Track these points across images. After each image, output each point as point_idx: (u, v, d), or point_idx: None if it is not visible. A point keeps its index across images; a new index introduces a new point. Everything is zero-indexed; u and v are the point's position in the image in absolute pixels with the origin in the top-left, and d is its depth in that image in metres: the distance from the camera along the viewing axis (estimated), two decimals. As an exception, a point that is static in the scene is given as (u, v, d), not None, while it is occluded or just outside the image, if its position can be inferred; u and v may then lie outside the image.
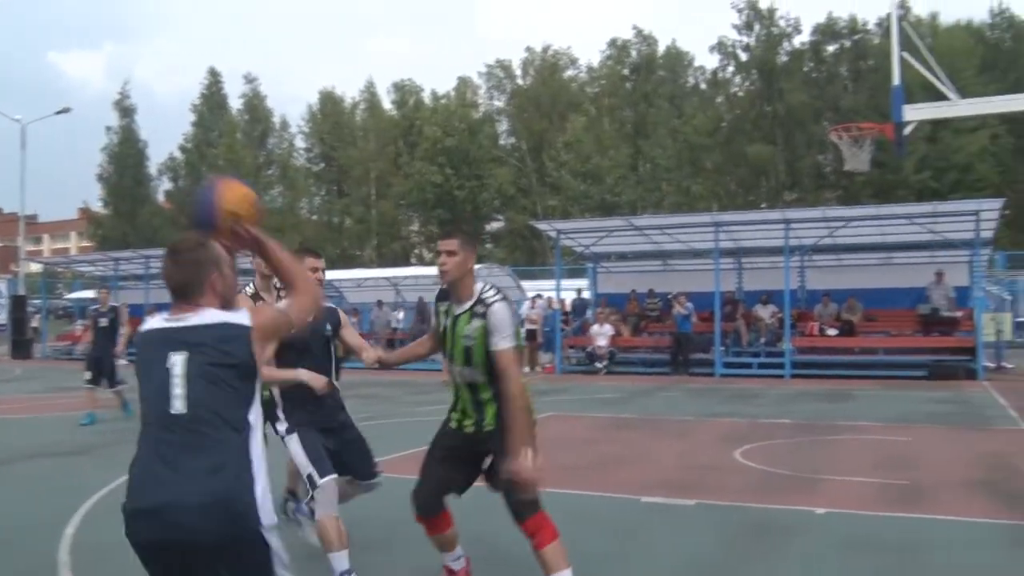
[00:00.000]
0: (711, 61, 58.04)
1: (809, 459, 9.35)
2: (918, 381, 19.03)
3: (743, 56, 53.91)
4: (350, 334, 5.50)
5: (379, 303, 27.96)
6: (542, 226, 26.44)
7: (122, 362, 13.28)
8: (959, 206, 21.25)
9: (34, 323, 35.96)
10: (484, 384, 4.42)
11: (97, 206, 61.27)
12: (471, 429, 4.56)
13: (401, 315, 28.30)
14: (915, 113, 17.77)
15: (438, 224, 58.98)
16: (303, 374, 4.95)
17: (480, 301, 4.26)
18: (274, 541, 2.74)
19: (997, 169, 50.04)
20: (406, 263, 57.77)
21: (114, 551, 4.14)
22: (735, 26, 53.53)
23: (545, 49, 61.63)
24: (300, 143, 66.34)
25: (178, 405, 2.71)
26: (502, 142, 63.16)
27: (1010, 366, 22.02)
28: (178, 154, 61.30)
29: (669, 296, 22.78)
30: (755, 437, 10.85)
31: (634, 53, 58.89)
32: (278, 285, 5.49)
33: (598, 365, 22.48)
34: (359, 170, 60.58)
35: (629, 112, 57.12)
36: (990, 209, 19.93)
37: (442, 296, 4.45)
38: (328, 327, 5.29)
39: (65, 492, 7.66)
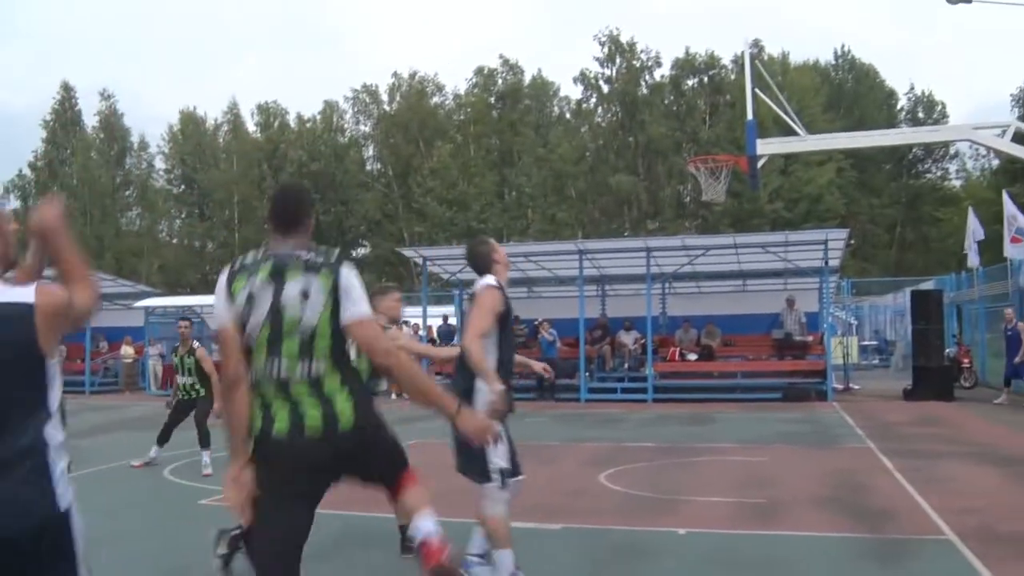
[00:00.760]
0: (575, 92, 59.21)
1: (671, 481, 9.60)
2: (773, 403, 19.73)
3: (605, 88, 55.28)
4: None
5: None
6: (408, 252, 26.44)
7: None
8: (809, 235, 22.18)
9: None
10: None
11: (-68, 225, 57.81)
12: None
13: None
14: (767, 147, 18.47)
15: (303, 249, 58.13)
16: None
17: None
18: (76, 525, 2.66)
19: (843, 201, 52.72)
20: (270, 288, 56.61)
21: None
22: (597, 59, 54.95)
23: (412, 75, 61.73)
24: (160, 164, 64.42)
25: None
26: (368, 167, 62.79)
27: (857, 387, 23.09)
28: (27, 171, 58.56)
29: (535, 322, 23.01)
30: (619, 460, 11.06)
31: (500, 82, 59.55)
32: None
33: (465, 391, 22.47)
34: (221, 193, 59.07)
35: (495, 140, 57.66)
36: (836, 239, 20.89)
37: None
38: None
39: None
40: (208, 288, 55.76)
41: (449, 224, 53.09)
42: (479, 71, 59.60)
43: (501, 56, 60.06)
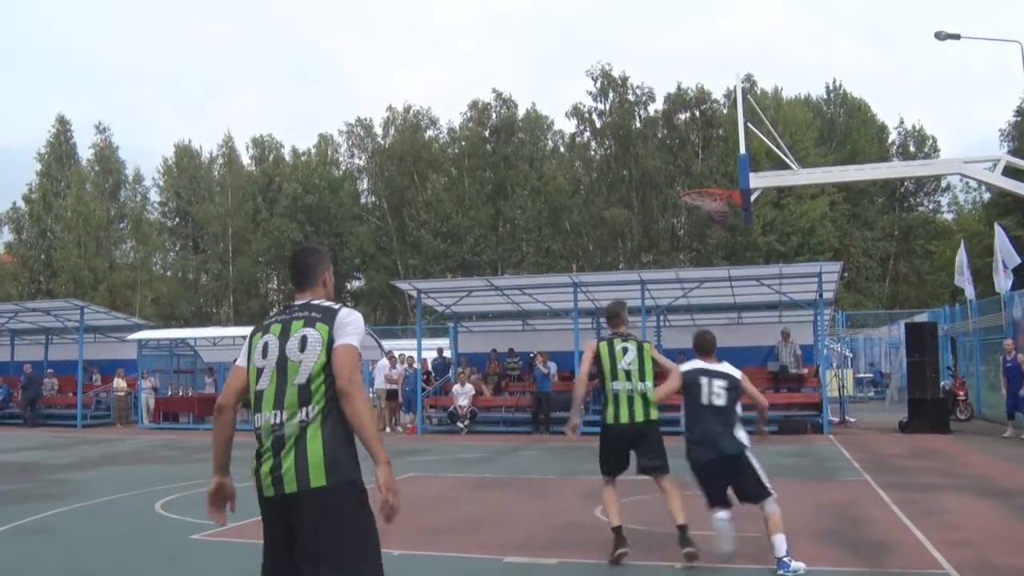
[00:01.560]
0: (569, 125, 59.50)
1: (667, 515, 9.52)
2: (769, 436, 19.65)
3: (598, 122, 55.59)
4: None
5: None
6: (403, 285, 26.38)
7: None
8: (803, 268, 22.25)
9: None
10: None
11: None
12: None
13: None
14: (761, 180, 18.55)
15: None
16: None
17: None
18: None
19: (836, 234, 52.93)
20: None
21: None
22: (590, 93, 55.30)
23: (406, 108, 62.00)
24: (154, 197, 64.53)
25: None
26: (363, 200, 62.92)
27: (852, 420, 23.04)
28: (21, 204, 58.54)
29: (530, 355, 22.96)
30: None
31: (494, 115, 59.85)
32: None
33: (460, 425, 22.41)
34: (216, 226, 59.08)
35: (489, 173, 57.85)
36: (830, 271, 20.95)
37: None
38: None
39: None
40: (201, 321, 55.80)
41: (443, 257, 53.14)
42: (473, 105, 59.91)
43: (494, 90, 60.43)
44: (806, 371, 21.99)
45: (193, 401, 26.76)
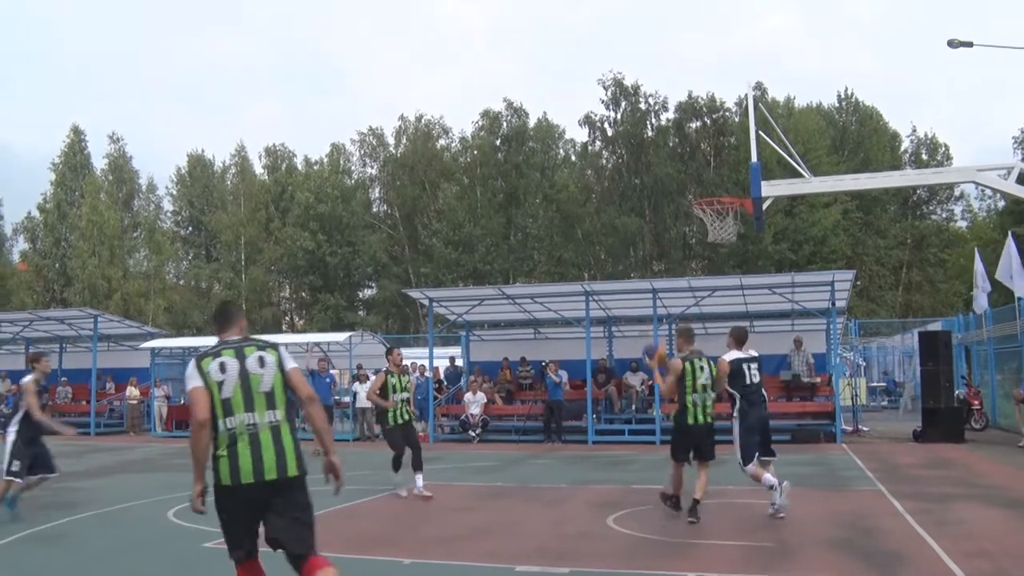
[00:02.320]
0: (580, 134, 59.50)
1: (680, 524, 9.50)
2: (782, 445, 19.49)
3: (610, 131, 55.59)
4: None
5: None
6: (414, 294, 26.38)
7: None
8: (815, 277, 22.14)
9: None
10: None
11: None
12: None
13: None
14: (772, 189, 18.47)
15: (309, 290, 58.17)
16: None
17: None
18: None
19: (849, 242, 52.78)
20: (277, 330, 56.66)
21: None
22: (603, 101, 55.31)
23: (418, 118, 62.18)
24: (168, 206, 64.87)
25: None
26: (375, 209, 63.07)
27: (866, 429, 22.92)
28: (36, 213, 58.93)
29: (542, 364, 22.94)
30: (627, 503, 10.98)
31: (505, 125, 59.95)
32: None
33: (471, 433, 22.40)
34: (229, 235, 59.32)
35: (501, 182, 57.91)
36: (843, 280, 20.86)
37: None
38: None
39: None
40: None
41: (455, 265, 53.17)
42: (485, 113, 60.04)
43: (505, 99, 60.53)
44: (819, 380, 21.90)
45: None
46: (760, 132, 18.70)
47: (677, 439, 10.28)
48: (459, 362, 26.48)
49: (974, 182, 19.32)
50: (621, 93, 54.96)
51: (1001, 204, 48.85)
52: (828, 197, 48.18)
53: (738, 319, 24.18)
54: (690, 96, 55.56)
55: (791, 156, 18.19)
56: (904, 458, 16.46)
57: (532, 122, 60.80)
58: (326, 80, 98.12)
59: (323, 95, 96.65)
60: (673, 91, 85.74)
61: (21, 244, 60.06)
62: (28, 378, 10.38)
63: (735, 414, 10.18)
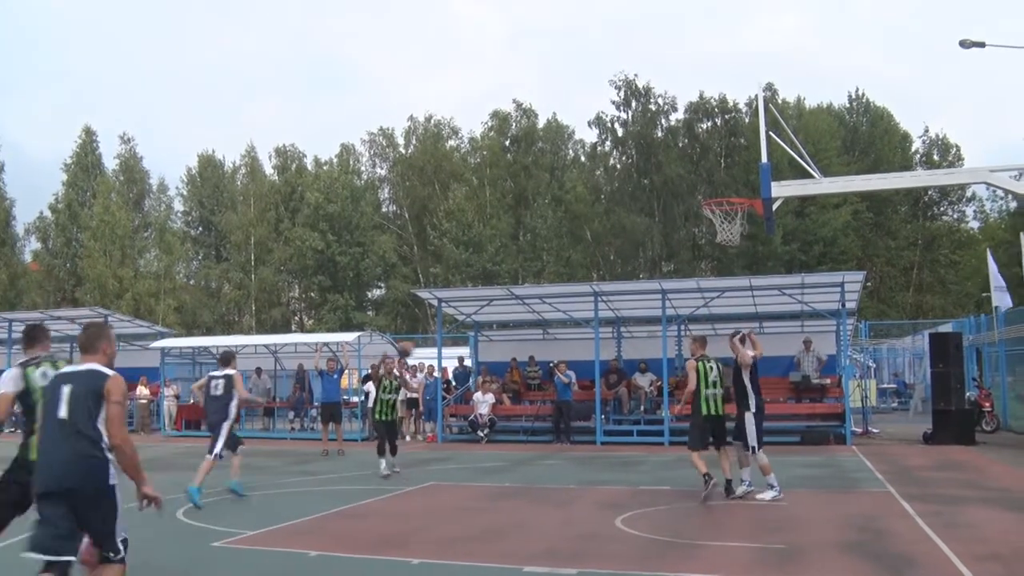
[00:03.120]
0: (590, 135, 59.48)
1: (690, 525, 9.48)
2: (792, 446, 19.52)
3: (620, 131, 55.58)
4: None
5: (258, 370, 27.37)
6: (423, 294, 26.38)
7: None
8: (825, 278, 22.05)
9: None
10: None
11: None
12: None
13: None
14: (782, 190, 18.40)
15: (319, 291, 58.27)
16: None
17: None
18: None
19: (859, 243, 52.65)
20: (286, 330, 56.76)
21: None
22: (614, 102, 55.28)
23: (428, 118, 62.30)
24: (178, 206, 65.06)
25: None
26: (384, 209, 63.16)
27: (876, 431, 22.82)
28: (48, 214, 59.17)
29: (550, 364, 22.91)
30: (636, 504, 10.95)
31: (515, 125, 59.99)
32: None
33: (480, 433, 22.39)
34: (239, 235, 59.49)
35: (510, 182, 57.96)
36: (853, 281, 20.77)
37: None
38: None
39: None
40: (224, 329, 56.11)
41: (464, 266, 53.20)
42: (494, 114, 60.12)
43: (514, 100, 60.59)
44: (828, 381, 21.82)
45: (214, 409, 26.82)
46: (770, 132, 18.65)
47: (694, 429, 11.72)
48: (468, 362, 26.47)
49: (986, 183, 19.22)
50: (632, 94, 54.95)
51: (1013, 205, 48.66)
52: (838, 198, 48.10)
53: (747, 320, 24.16)
54: (701, 96, 55.57)
55: (801, 156, 18.12)
56: (914, 460, 16.40)
57: (541, 123, 60.87)
58: (336, 81, 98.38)
59: (333, 96, 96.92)
60: (685, 92, 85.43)
61: (33, 244, 60.38)
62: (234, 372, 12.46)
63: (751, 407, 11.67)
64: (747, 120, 52.93)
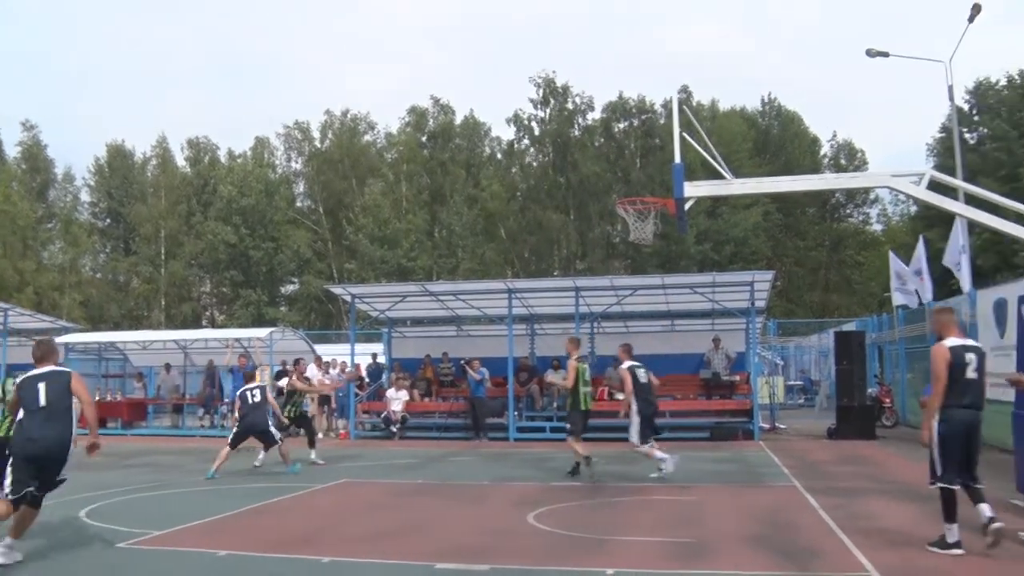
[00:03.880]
0: (507, 132, 59.61)
1: (600, 521, 9.58)
2: (701, 442, 19.85)
3: (537, 129, 55.85)
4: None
5: (167, 366, 26.78)
6: (337, 290, 26.13)
7: None
8: (735, 277, 22.46)
9: None
10: None
11: None
12: None
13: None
14: (695, 190, 18.51)
15: (231, 285, 57.23)
16: None
17: None
18: None
19: (769, 243, 53.83)
20: (197, 325, 55.60)
21: None
22: (532, 100, 55.52)
23: (344, 113, 61.64)
24: (85, 197, 63.05)
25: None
26: (299, 204, 62.30)
27: (783, 427, 23.36)
28: (-58, 202, 56.72)
29: (462, 361, 22.89)
30: (548, 500, 11.02)
31: (432, 122, 59.75)
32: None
33: (393, 430, 22.27)
34: (148, 228, 57.94)
35: (426, 179, 57.72)
36: (763, 280, 21.21)
37: None
38: None
39: None
40: (132, 324, 54.67)
41: (380, 262, 52.80)
42: (412, 110, 59.79)
43: (432, 96, 60.38)
44: (737, 378, 22.26)
45: (122, 406, 26.20)
46: (684, 134, 18.87)
47: (576, 420, 14.01)
48: (381, 359, 26.31)
49: (888, 187, 19.71)
50: (551, 92, 55.25)
51: (914, 209, 50.30)
52: (750, 199, 49.07)
53: (659, 318, 24.52)
54: (620, 96, 56.16)
55: (714, 158, 18.35)
56: (819, 454, 16.85)
57: (459, 119, 60.77)
58: (251, 73, 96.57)
59: (247, 88, 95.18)
60: (603, 92, 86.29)
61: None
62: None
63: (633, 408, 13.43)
64: (663, 121, 53.63)
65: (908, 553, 7.57)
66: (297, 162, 63.45)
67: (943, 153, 40.66)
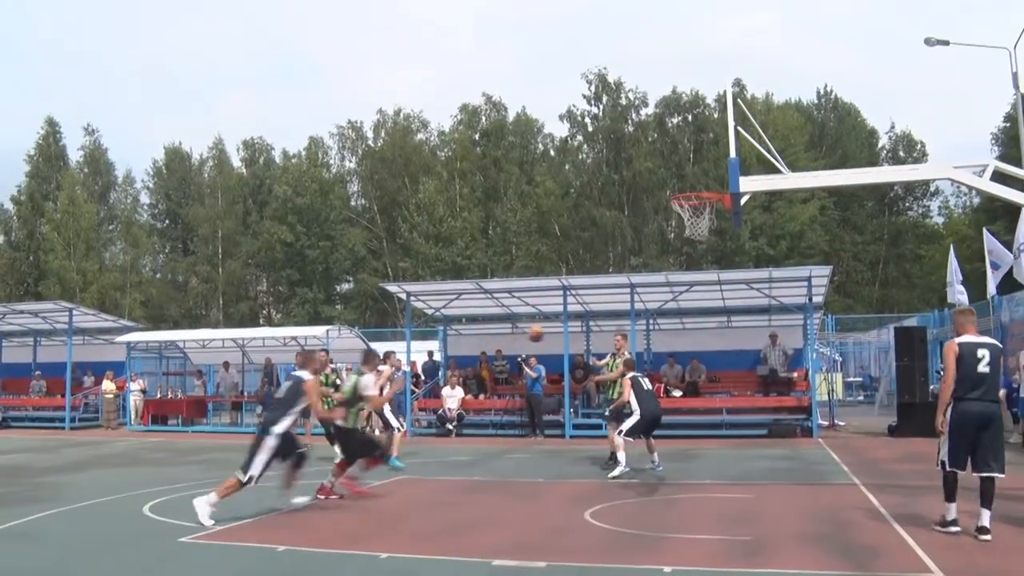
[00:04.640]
0: (560, 129, 59.53)
1: (657, 518, 9.54)
2: (759, 439, 19.68)
3: (591, 125, 55.70)
4: None
5: (225, 364, 27.19)
6: (392, 288, 26.31)
7: None
8: (792, 272, 22.23)
9: None
10: None
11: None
12: None
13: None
14: (750, 184, 18.41)
15: (287, 284, 57.90)
16: None
17: None
18: None
19: (826, 238, 53.08)
20: (254, 324, 56.35)
21: None
22: (585, 96, 55.40)
23: (397, 111, 61.98)
24: (144, 199, 64.35)
25: None
26: (354, 203, 62.79)
27: (842, 423, 23.07)
28: (10, 206, 58.23)
29: (519, 359, 22.91)
30: (604, 498, 10.99)
31: (484, 119, 59.84)
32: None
33: (449, 427, 22.37)
34: (206, 228, 58.91)
35: (480, 176, 57.82)
36: (820, 275, 20.96)
37: None
38: None
39: None
40: (191, 323, 55.59)
41: (434, 260, 53.03)
42: (464, 108, 59.92)
43: (484, 94, 60.45)
44: (795, 375, 22.01)
45: (182, 403, 26.69)
46: (739, 128, 18.71)
47: (620, 415, 14.38)
48: (437, 356, 26.43)
49: (950, 179, 19.39)
50: (603, 88, 55.08)
51: (976, 201, 49.26)
52: (806, 193, 48.35)
53: (715, 314, 24.34)
54: (674, 91, 55.82)
55: (769, 152, 18.18)
56: (879, 452, 16.60)
57: (511, 117, 60.77)
58: (304, 73, 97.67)
59: (301, 88, 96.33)
60: (656, 87, 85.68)
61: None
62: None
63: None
64: (716, 115, 53.16)
65: (974, 553, 7.42)
66: (351, 161, 64.03)
67: (1008, 143, 39.79)
